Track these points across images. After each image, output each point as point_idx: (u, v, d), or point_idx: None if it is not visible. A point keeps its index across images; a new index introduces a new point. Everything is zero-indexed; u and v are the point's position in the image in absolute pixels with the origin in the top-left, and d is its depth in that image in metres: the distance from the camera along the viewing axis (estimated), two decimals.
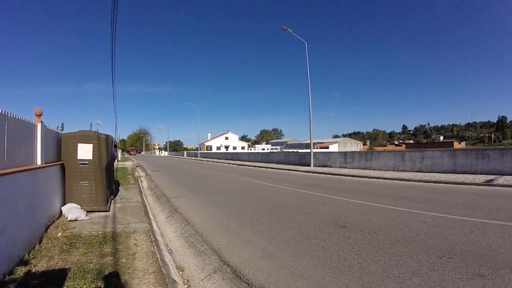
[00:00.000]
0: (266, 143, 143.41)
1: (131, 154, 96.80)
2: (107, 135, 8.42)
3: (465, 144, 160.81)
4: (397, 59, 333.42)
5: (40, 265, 4.13)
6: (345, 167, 22.49)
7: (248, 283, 3.90)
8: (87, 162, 7.68)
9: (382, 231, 5.91)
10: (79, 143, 7.65)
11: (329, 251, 4.93)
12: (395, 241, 5.30)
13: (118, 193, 11.27)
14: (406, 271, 4.02)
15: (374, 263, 4.36)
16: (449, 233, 5.66)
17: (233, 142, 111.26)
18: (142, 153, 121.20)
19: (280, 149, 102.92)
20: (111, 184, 10.22)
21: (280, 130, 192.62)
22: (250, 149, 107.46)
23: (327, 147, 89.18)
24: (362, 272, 4.06)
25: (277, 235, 5.93)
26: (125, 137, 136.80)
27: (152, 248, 5.10)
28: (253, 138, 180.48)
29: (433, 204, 8.44)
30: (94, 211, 7.66)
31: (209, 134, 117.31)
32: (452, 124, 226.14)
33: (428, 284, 3.63)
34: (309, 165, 25.02)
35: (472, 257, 4.43)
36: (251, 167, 29.07)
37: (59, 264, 4.21)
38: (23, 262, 4.20)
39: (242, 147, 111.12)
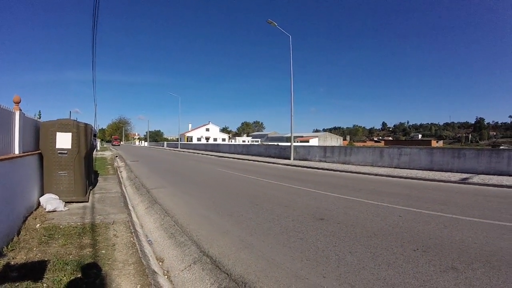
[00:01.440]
0: (247, 136, 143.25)
1: (114, 145, 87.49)
2: (86, 124, 8.26)
3: (443, 143, 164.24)
4: (380, 57, 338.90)
5: (19, 257, 4.10)
6: (325, 161, 22.80)
7: (227, 274, 3.99)
8: (65, 152, 7.56)
9: (359, 224, 6.09)
10: (58, 131, 7.50)
11: (307, 242, 5.07)
12: (371, 234, 5.49)
13: (97, 184, 11.16)
14: (382, 263, 4.19)
15: (351, 254, 4.52)
16: (424, 227, 5.88)
17: (214, 133, 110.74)
18: (121, 143, 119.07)
19: (260, 141, 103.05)
20: (90, 174, 10.11)
21: (261, 123, 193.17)
22: (231, 141, 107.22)
23: (308, 141, 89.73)
24: (339, 263, 4.21)
25: (256, 226, 6.04)
26: (104, 126, 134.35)
27: (131, 239, 5.12)
28: (234, 130, 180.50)
29: (409, 199, 8.71)
30: (73, 202, 7.58)
31: (190, 125, 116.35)
32: (431, 123, 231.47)
33: (402, 275, 3.80)
34: (289, 158, 25.22)
35: (446, 251, 4.65)
36: (232, 159, 29.09)
37: (38, 256, 4.19)
38: (1, 255, 4.15)
39: (223, 138, 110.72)
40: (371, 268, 4.03)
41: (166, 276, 4.26)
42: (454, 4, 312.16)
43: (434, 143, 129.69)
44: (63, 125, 7.61)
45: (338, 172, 16.76)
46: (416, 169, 16.87)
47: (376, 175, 15.31)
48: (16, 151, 6.03)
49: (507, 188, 11.16)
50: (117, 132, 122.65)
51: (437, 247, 4.82)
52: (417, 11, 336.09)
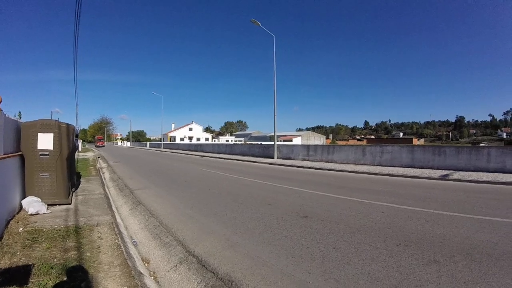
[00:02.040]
0: (230, 135, 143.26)
1: (98, 146, 79.13)
2: (68, 124, 8.12)
3: (424, 141, 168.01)
4: (361, 57, 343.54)
5: (2, 262, 4.03)
6: (308, 160, 23.03)
7: (213, 273, 4.03)
8: (47, 153, 7.43)
9: (343, 221, 6.22)
10: (40, 132, 7.35)
11: (291, 240, 5.15)
12: (354, 230, 5.62)
13: (80, 185, 11.01)
14: (365, 258, 4.31)
15: (335, 250, 4.62)
16: (406, 223, 6.06)
17: (197, 133, 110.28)
18: (94, 143, 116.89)
19: (244, 141, 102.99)
20: (73, 176, 9.97)
21: (245, 122, 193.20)
22: (214, 141, 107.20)
23: (291, 140, 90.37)
24: (324, 259, 4.31)
25: (241, 225, 6.10)
26: (86, 127, 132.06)
27: (116, 240, 5.10)
28: (217, 129, 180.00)
29: (391, 196, 8.92)
30: (56, 204, 7.46)
31: (173, 125, 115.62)
32: (412, 122, 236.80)
33: (386, 269, 3.92)
34: (272, 157, 25.35)
35: (428, 245, 4.80)
36: (215, 158, 29.06)
37: (22, 260, 4.14)
38: None
39: (206, 138, 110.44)
40: (355, 263, 4.14)
41: (152, 277, 4.27)
42: (431, 4, 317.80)
43: (415, 141, 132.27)
44: (45, 126, 7.47)
45: (321, 171, 16.95)
46: (398, 167, 17.23)
47: (358, 172, 15.58)
48: None
49: (487, 183, 11.55)
50: (100, 132, 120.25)
51: (419, 241, 4.98)
52: (397, 12, 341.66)
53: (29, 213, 6.50)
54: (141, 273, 4.06)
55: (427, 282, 3.56)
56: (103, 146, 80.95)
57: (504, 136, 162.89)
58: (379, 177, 13.89)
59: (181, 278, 4.11)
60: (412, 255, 4.38)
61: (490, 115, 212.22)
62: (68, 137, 7.97)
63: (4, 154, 6.16)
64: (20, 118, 12.64)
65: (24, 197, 7.13)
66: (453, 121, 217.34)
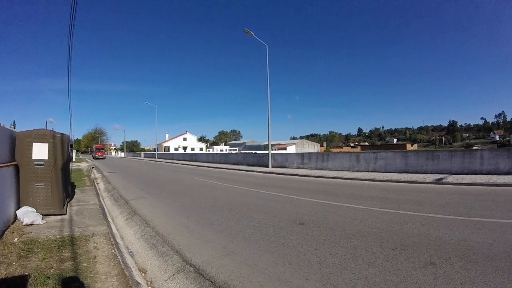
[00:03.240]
0: (225, 144, 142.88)
1: (98, 157, 63.52)
2: (62, 134, 8.10)
3: (417, 146, 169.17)
4: (354, 65, 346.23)
5: None
6: (303, 168, 23.07)
7: (211, 281, 4.02)
8: (42, 163, 7.40)
9: (339, 227, 6.25)
10: (34, 142, 7.32)
11: (288, 247, 5.16)
12: (351, 236, 5.65)
13: (75, 196, 10.93)
14: (362, 263, 4.34)
15: (332, 256, 4.64)
16: (402, 227, 6.11)
17: (191, 143, 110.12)
18: (92, 154, 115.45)
19: (238, 150, 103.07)
20: (67, 186, 9.91)
21: (239, 132, 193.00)
22: (209, 150, 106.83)
23: (285, 149, 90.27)
24: (321, 265, 4.33)
25: (238, 234, 6.10)
26: (79, 137, 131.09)
27: (113, 251, 5.07)
28: (211, 139, 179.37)
29: (386, 201, 8.97)
30: (51, 215, 7.41)
31: (167, 135, 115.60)
32: (405, 128, 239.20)
33: (383, 273, 3.95)
34: (267, 166, 25.33)
35: (424, 248, 4.85)
36: (210, 168, 29.00)
37: (18, 270, 4.11)
38: None
39: (200, 148, 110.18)
40: (352, 268, 4.17)
41: (150, 287, 4.27)
42: (422, 11, 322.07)
43: (409, 147, 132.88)
44: (40, 135, 7.44)
45: (316, 178, 16.99)
46: (392, 172, 17.36)
47: (353, 179, 15.64)
48: None
49: (481, 186, 11.67)
50: (93, 143, 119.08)
51: (415, 244, 5.02)
52: (388, 19, 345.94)
53: (24, 224, 6.45)
54: (138, 283, 4.06)
55: (425, 284, 3.60)
56: (103, 158, 64.40)
57: (497, 138, 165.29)
58: (373, 183, 13.95)
59: (178, 287, 4.10)
60: (408, 259, 4.41)
61: (482, 118, 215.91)
62: (63, 147, 7.95)
63: None
64: (15, 127, 12.57)
65: (19, 207, 7.08)
66: (446, 125, 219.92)
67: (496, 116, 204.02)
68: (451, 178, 13.59)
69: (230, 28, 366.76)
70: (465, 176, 14.20)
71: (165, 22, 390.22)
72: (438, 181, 13.04)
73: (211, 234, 6.20)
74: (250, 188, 12.88)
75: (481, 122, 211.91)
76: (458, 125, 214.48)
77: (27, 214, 6.64)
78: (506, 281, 3.58)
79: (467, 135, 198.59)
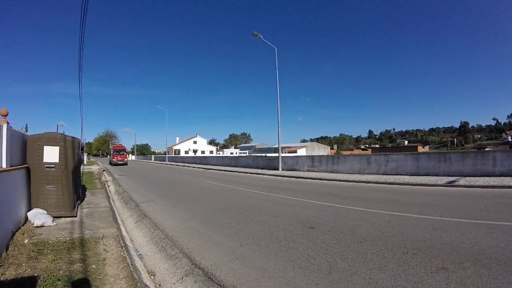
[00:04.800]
0: (235, 147, 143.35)
1: (118, 162, 46.31)
2: (73, 138, 8.19)
3: (429, 148, 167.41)
4: (364, 67, 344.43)
5: (8, 273, 4.03)
6: (313, 171, 22.94)
7: (220, 285, 3.99)
8: (53, 166, 7.48)
9: (349, 231, 6.16)
10: (46, 145, 7.41)
11: (298, 251, 5.10)
12: (361, 240, 5.56)
13: (85, 198, 11.02)
14: (373, 267, 4.26)
15: (342, 261, 4.57)
16: (413, 231, 6.00)
17: (201, 146, 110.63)
18: (108, 157, 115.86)
19: (248, 153, 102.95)
20: (78, 189, 9.98)
21: (249, 135, 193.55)
22: (219, 153, 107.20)
23: (295, 151, 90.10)
24: (331, 270, 4.26)
25: (247, 237, 6.06)
26: (91, 140, 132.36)
27: (122, 253, 5.07)
28: (221, 142, 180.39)
29: (397, 204, 8.84)
30: (61, 217, 7.48)
31: (177, 138, 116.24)
32: (416, 129, 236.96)
33: (394, 278, 3.87)
34: (277, 169, 25.29)
35: (436, 252, 4.75)
36: (220, 171, 29.00)
37: (27, 271, 4.13)
38: None
39: (210, 151, 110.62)
40: (363, 273, 4.09)
41: None
42: (434, 13, 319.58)
43: (420, 149, 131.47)
44: (51, 139, 7.53)
45: (326, 181, 16.89)
46: (403, 175, 17.13)
47: (364, 182, 15.46)
48: (4, 165, 5.95)
49: (493, 188, 11.47)
50: (105, 146, 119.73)
51: (426, 249, 4.92)
52: (398, 21, 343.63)
53: (34, 225, 6.51)
54: (147, 285, 4.03)
55: None
56: (125, 164, 47.45)
57: (509, 139, 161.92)
58: (384, 186, 13.78)
59: None
60: (420, 263, 4.32)
61: (494, 119, 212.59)
62: (73, 150, 8.02)
63: (10, 167, 6.22)
64: (27, 131, 12.73)
65: (29, 209, 7.15)
66: (458, 126, 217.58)
67: (508, 117, 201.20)
68: (463, 181, 13.39)
69: (239, 31, 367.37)
70: (477, 178, 13.99)
71: (174, 26, 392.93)
72: (450, 184, 12.85)
73: (221, 237, 6.17)
74: (260, 191, 12.84)
75: (493, 123, 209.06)
76: (469, 126, 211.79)
77: (37, 216, 6.70)
78: None
79: (479, 136, 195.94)
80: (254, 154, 72.15)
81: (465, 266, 4.13)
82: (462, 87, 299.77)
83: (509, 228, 5.90)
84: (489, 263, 4.21)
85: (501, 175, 14.20)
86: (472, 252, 4.68)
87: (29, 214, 6.88)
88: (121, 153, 48.28)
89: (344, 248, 5.15)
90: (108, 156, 57.44)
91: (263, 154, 52.62)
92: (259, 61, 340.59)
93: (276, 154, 26.69)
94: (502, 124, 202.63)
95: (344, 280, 3.89)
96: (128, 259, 4.77)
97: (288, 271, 4.30)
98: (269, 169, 27.27)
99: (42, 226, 6.55)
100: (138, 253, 5.74)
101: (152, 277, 4.72)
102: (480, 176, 14.59)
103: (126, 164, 46.43)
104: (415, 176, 16.23)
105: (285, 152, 77.58)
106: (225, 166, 36.24)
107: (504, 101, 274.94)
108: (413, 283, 3.71)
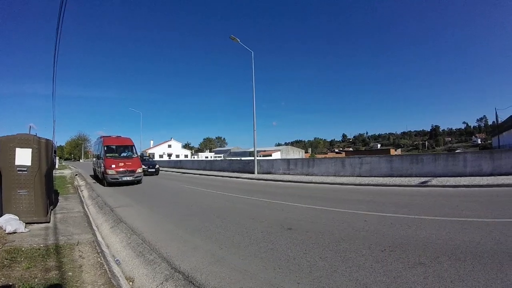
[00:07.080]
0: (210, 151, 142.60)
1: (119, 176, 18.17)
2: (47, 140, 7.93)
3: (401, 151, 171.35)
4: (337, 73, 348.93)
5: None
6: (289, 174, 23.14)
7: None
8: (25, 169, 7.21)
9: (327, 231, 6.28)
10: (17, 147, 7.14)
11: (278, 252, 5.16)
12: (339, 239, 5.69)
13: (58, 203, 10.72)
14: (352, 265, 4.37)
15: (322, 260, 4.66)
16: (389, 229, 6.19)
17: (176, 150, 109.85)
18: (80, 160, 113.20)
19: (223, 157, 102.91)
20: (51, 193, 9.68)
21: (224, 139, 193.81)
22: (194, 157, 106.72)
23: (270, 155, 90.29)
24: (311, 269, 4.34)
25: (226, 240, 6.06)
26: (62, 144, 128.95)
27: (99, 259, 4.99)
28: (196, 146, 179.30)
29: (373, 205, 9.09)
30: (34, 223, 7.23)
31: (152, 142, 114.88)
32: (389, 133, 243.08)
33: (373, 274, 4.00)
34: (253, 172, 25.36)
35: (412, 248, 4.93)
36: (195, 175, 28.83)
37: (1, 280, 4.00)
38: None
39: (185, 155, 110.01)
40: (343, 270, 4.19)
41: None
42: (403, 20, 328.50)
43: (392, 152, 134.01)
44: (23, 141, 7.26)
45: (302, 184, 17.05)
46: (378, 177, 17.58)
47: (339, 184, 15.76)
48: None
49: (464, 187, 11.97)
50: (77, 149, 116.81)
51: (403, 246, 5.10)
52: (370, 28, 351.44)
53: (6, 232, 6.28)
54: None
55: (415, 284, 3.65)
56: (137, 182, 19.59)
57: (479, 141, 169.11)
58: (360, 188, 14.12)
59: None
60: (397, 259, 4.47)
61: (464, 122, 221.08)
62: (47, 153, 7.79)
63: None
64: None
65: (1, 214, 6.89)
66: (429, 130, 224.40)
67: (477, 120, 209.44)
68: (435, 181, 13.88)
69: (215, 36, 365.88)
70: (449, 178, 14.55)
71: (150, 30, 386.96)
72: (423, 184, 13.28)
73: (200, 240, 6.14)
74: (237, 195, 12.84)
75: (463, 127, 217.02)
76: (440, 130, 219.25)
77: (9, 222, 6.48)
78: (494, 278, 3.67)
79: (450, 139, 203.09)
80: (230, 158, 72.10)
81: (441, 261, 4.31)
82: (433, 92, 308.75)
83: (482, 224, 6.20)
84: (464, 257, 4.41)
85: (471, 175, 14.83)
86: (447, 247, 4.88)
87: (1, 220, 6.62)
88: (125, 154, 20.79)
89: (323, 247, 5.24)
90: (92, 161, 30.43)
91: (238, 158, 52.68)
92: (236, 66, 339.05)
93: (251, 158, 26.76)
94: (472, 127, 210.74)
95: (325, 278, 3.97)
96: (105, 266, 4.69)
97: (269, 271, 4.34)
98: (244, 172, 27.26)
99: (14, 233, 6.33)
100: (116, 259, 5.63)
101: (131, 283, 4.65)
102: (451, 176, 15.18)
103: (140, 182, 20.02)
104: (389, 178, 16.69)
105: (260, 156, 77.69)
106: (201, 169, 36.12)
107: (474, 105, 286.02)
108: (392, 278, 3.84)
